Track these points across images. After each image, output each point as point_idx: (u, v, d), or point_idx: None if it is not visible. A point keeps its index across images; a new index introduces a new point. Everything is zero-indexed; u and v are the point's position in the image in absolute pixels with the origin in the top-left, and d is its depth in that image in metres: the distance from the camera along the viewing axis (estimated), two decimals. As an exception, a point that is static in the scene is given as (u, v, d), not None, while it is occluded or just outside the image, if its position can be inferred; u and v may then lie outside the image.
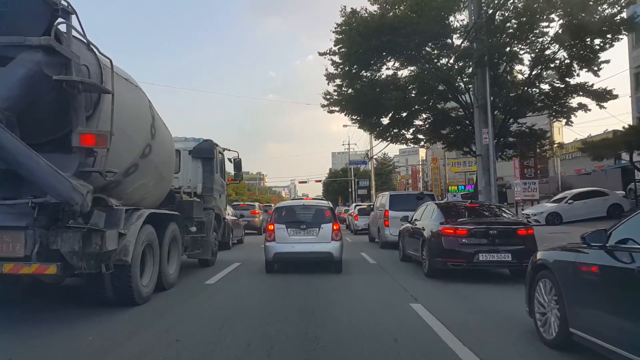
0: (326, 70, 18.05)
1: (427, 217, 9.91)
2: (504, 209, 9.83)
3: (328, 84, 17.95)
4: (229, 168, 13.35)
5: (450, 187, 44.32)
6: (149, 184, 7.23)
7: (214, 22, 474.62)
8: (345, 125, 56.86)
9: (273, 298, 7.13)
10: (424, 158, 80.00)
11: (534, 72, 17.25)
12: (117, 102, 6.05)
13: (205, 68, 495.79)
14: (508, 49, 15.85)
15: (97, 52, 6.09)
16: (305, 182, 79.05)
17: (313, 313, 6.08)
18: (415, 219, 11.07)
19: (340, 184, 73.28)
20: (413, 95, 17.44)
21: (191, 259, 10.45)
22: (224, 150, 12.10)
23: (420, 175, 71.05)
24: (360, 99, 17.34)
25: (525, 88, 16.89)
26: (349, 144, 65.24)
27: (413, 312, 6.14)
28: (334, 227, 10.02)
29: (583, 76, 18.34)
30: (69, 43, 5.64)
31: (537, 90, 17.38)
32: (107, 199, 6.15)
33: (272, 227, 10.05)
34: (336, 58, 17.36)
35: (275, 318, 5.77)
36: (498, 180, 21.58)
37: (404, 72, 18.48)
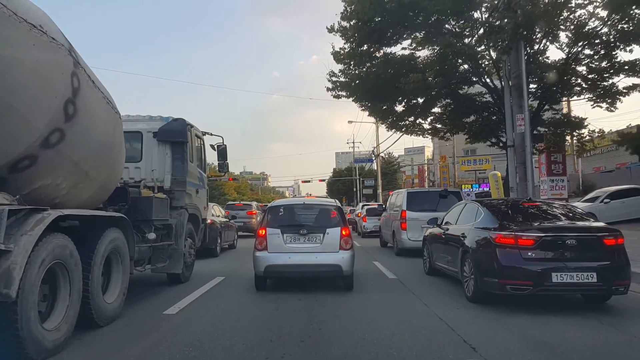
0: (333, 48, 15.53)
1: (468, 220, 7.43)
2: (573, 208, 7.31)
3: (334, 58, 15.41)
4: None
5: (463, 186, 41.72)
6: (61, 186, 4.72)
7: (217, 24, 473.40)
8: (350, 122, 54.57)
9: (254, 347, 4.66)
10: (430, 157, 77.55)
11: (573, 50, 14.78)
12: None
13: (210, 68, 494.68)
14: (546, 20, 13.32)
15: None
16: (308, 181, 76.88)
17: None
18: (447, 222, 8.60)
19: (345, 183, 70.95)
20: (431, 78, 14.89)
21: (157, 273, 8.03)
22: (204, 135, 9.59)
23: (426, 174, 68.62)
24: (372, 81, 14.77)
25: (565, 68, 14.37)
26: (353, 142, 62.95)
27: (481, 380, 3.69)
28: (343, 232, 7.62)
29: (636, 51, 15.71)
30: None
31: (579, 70, 14.84)
32: (-24, 192, 3.73)
33: (264, 232, 7.66)
34: (347, 30, 14.77)
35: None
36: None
37: (421, 54, 16.01)
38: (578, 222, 6.58)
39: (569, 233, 6.06)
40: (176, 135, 8.00)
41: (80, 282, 4.76)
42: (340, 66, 15.71)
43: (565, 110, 16.83)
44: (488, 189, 37.11)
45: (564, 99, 15.69)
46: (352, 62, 15.39)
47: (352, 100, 16.55)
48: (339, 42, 15.36)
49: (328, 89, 16.12)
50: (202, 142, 9.50)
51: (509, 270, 5.99)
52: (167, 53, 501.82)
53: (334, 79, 15.98)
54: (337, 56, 15.37)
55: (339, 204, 8.38)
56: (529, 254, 5.97)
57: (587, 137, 16.39)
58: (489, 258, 6.24)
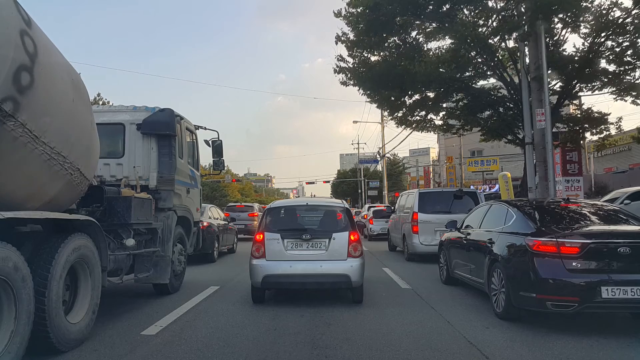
0: (337, 35, 14.60)
1: (496, 224, 6.49)
2: (621, 209, 6.35)
3: (343, 45, 14.55)
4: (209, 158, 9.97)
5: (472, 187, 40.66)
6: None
7: (224, 26, 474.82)
8: (355, 121, 53.24)
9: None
10: (436, 158, 76.56)
11: (595, 41, 13.81)
12: None
13: (216, 70, 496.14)
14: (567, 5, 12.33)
15: None
16: (312, 182, 75.30)
17: None
18: (469, 226, 7.68)
19: (349, 184, 70.00)
20: (446, 67, 13.93)
21: (141, 283, 7.12)
22: (197, 129, 8.68)
23: (432, 175, 67.65)
24: (381, 67, 13.83)
25: (591, 55, 13.39)
26: (358, 143, 61.89)
27: None
28: (352, 237, 6.72)
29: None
30: None
31: (601, 62, 13.85)
32: None
33: (261, 237, 6.76)
34: (353, 16, 13.89)
35: None
36: (519, 181, 18.23)
37: (433, 45, 15.13)
38: (630, 227, 5.63)
39: (621, 239, 5.11)
40: (163, 128, 7.09)
41: (31, 301, 3.87)
42: (350, 53, 14.82)
43: (584, 106, 15.79)
44: (497, 189, 36.10)
45: (587, 92, 14.64)
46: (359, 49, 14.48)
47: (360, 90, 15.60)
48: (346, 31, 14.35)
49: (336, 72, 15.19)
50: (194, 137, 8.60)
51: (549, 283, 5.06)
52: (173, 54, 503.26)
53: (341, 64, 15.06)
54: (346, 42, 14.48)
55: (347, 205, 7.47)
56: (574, 264, 5.03)
57: (613, 132, 15.34)
58: (525, 269, 5.31)
